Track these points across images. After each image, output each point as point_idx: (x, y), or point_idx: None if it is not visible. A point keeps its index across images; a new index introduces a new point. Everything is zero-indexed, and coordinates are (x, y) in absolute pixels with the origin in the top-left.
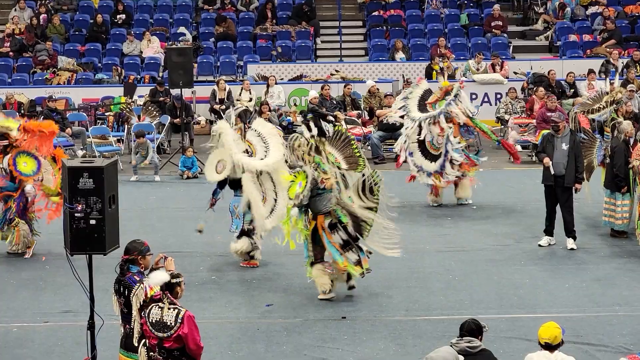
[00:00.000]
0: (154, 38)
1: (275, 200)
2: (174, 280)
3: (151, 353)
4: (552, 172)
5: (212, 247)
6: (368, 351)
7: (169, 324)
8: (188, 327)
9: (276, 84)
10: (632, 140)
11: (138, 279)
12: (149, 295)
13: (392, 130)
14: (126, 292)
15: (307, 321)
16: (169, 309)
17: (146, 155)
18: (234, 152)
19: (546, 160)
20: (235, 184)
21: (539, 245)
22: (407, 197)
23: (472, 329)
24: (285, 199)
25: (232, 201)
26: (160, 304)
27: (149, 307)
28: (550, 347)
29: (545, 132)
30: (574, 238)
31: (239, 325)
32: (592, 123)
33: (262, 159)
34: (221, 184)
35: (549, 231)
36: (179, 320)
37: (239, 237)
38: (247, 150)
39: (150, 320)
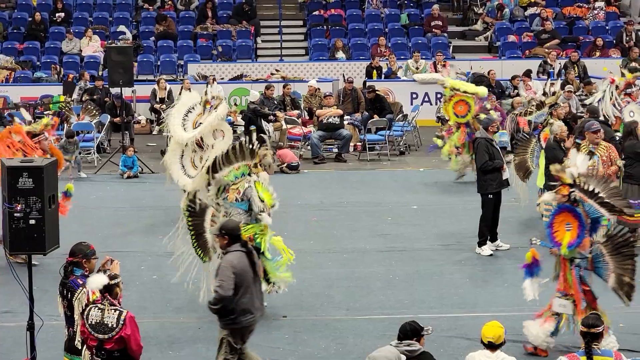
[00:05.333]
0: (95, 37)
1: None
2: (112, 282)
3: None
4: (504, 177)
5: (152, 246)
6: (309, 350)
7: (110, 325)
8: (130, 328)
9: (217, 83)
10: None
11: (81, 282)
12: (91, 300)
13: (331, 130)
14: (69, 295)
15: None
16: (109, 310)
17: (74, 152)
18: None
19: (505, 166)
20: None
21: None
22: (347, 196)
23: (409, 331)
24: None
25: None
26: (99, 305)
27: (88, 309)
28: (493, 346)
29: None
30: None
31: (179, 325)
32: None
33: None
34: None
35: (492, 238)
36: (121, 322)
37: None
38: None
39: (89, 322)
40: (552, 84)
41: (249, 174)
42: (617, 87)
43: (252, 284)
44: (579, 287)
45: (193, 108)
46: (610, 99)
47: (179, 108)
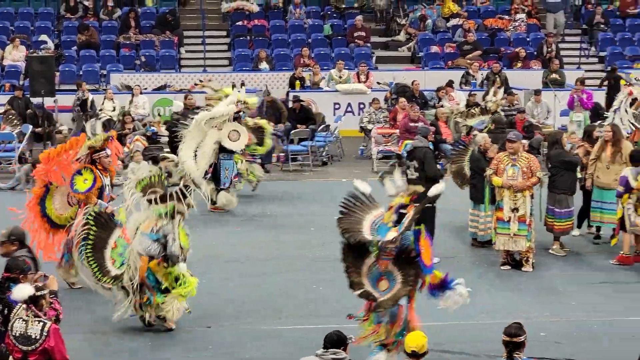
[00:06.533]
0: (22, 47)
1: None
2: (38, 293)
3: None
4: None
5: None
6: None
7: (33, 337)
8: (54, 340)
9: (141, 93)
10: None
11: None
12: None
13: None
14: (6, 310)
15: (172, 331)
16: (33, 322)
17: None
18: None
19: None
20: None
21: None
22: (270, 206)
23: (334, 340)
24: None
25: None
26: (24, 317)
27: (12, 320)
28: (416, 355)
29: (408, 142)
30: None
31: (103, 337)
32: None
33: None
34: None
35: None
36: (45, 333)
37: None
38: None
39: (13, 334)
40: (495, 92)
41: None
42: (636, 99)
43: None
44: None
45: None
46: (627, 110)
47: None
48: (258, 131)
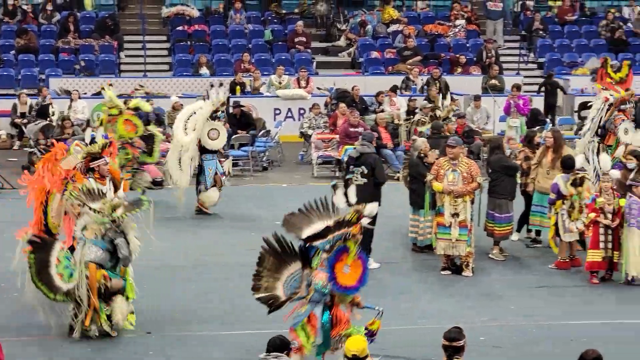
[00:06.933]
0: None
1: None
2: None
3: None
4: None
5: (6, 262)
6: None
7: None
8: None
9: (80, 98)
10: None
11: None
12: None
13: None
14: None
15: (113, 337)
16: None
17: None
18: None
19: None
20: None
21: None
22: (211, 210)
23: (277, 344)
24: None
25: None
26: None
27: None
28: (357, 359)
29: (348, 147)
30: None
31: (44, 343)
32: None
33: None
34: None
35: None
36: None
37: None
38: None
39: None
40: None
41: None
42: (611, 104)
43: None
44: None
45: (194, 113)
46: (604, 115)
47: (183, 112)
48: (148, 139)
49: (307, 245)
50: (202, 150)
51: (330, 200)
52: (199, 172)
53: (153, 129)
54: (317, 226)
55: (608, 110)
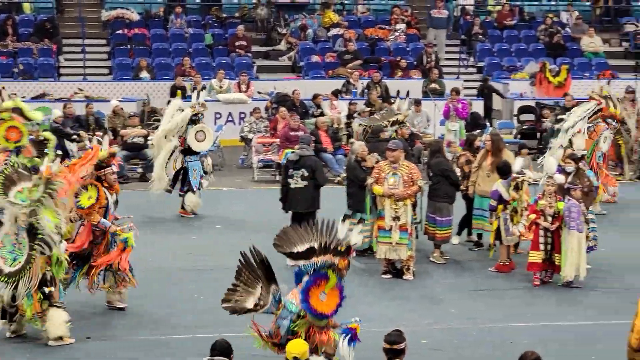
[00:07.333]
0: None
1: None
2: None
3: None
4: None
5: None
6: None
7: None
8: None
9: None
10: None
11: None
12: None
13: (136, 150)
14: None
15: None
16: None
17: None
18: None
19: None
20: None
21: None
22: (152, 215)
23: (224, 348)
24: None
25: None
26: None
27: None
28: None
29: (288, 151)
30: None
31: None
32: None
33: None
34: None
35: None
36: None
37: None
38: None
39: None
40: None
41: (38, 200)
42: (600, 110)
43: None
44: None
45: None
46: (588, 118)
47: (167, 112)
48: (41, 144)
49: (291, 264)
50: (186, 151)
51: (333, 225)
52: (184, 174)
53: (47, 134)
54: (303, 246)
55: (595, 113)
